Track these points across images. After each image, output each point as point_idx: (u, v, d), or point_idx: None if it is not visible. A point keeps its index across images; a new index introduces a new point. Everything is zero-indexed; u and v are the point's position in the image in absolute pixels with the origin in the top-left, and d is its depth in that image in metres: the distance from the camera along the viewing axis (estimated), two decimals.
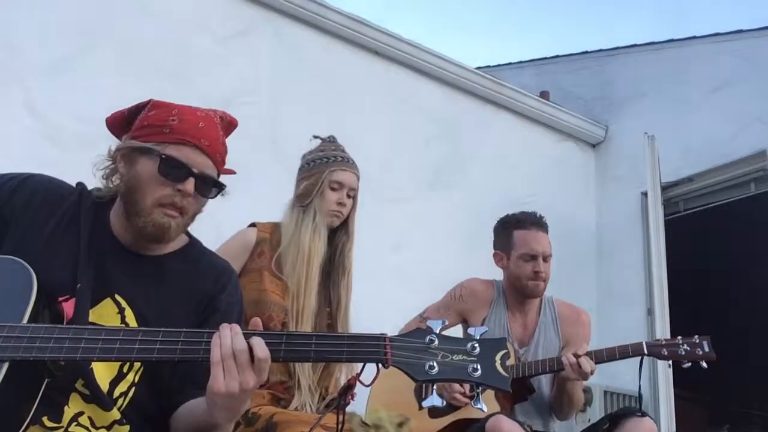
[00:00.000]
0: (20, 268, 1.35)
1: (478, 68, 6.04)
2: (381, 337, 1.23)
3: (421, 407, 2.69)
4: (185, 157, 1.45)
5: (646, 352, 2.61)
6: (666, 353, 2.60)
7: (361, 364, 1.27)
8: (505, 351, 1.22)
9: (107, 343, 1.24)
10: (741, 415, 6.64)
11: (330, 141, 2.47)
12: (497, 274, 3.01)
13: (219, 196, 1.55)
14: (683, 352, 2.57)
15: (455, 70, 5.45)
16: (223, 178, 1.56)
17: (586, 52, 6.62)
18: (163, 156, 1.44)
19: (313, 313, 2.22)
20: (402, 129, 5.12)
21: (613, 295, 5.55)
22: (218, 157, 1.51)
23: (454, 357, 1.20)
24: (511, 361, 2.64)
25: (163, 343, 1.25)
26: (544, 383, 2.79)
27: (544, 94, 6.19)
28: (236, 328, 1.24)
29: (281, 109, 4.58)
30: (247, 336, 1.23)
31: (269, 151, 4.30)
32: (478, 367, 1.18)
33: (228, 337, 1.22)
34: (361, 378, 1.29)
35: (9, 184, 1.52)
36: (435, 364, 1.19)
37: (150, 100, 1.54)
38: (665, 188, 5.28)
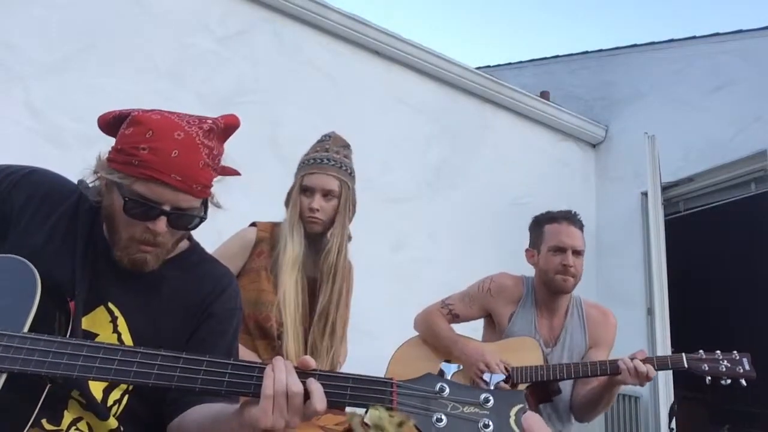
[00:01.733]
0: (25, 269, 1.33)
1: (478, 68, 6.04)
2: (388, 382, 1.17)
3: None
4: (154, 195, 1.34)
5: (686, 366, 2.51)
6: (707, 368, 2.49)
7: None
8: (521, 405, 1.14)
9: (104, 363, 1.22)
10: (741, 415, 6.63)
11: (320, 140, 2.41)
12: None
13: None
14: (724, 369, 2.47)
15: (455, 70, 5.45)
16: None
17: (586, 52, 6.62)
18: (127, 199, 1.34)
19: (296, 320, 2.20)
20: (402, 129, 5.12)
21: (613, 295, 5.54)
22: (196, 187, 1.37)
23: (465, 409, 1.12)
24: (538, 361, 2.61)
25: (160, 368, 1.22)
26: (568, 385, 2.72)
27: (544, 94, 6.19)
28: (290, 365, 1.19)
29: (281, 109, 4.58)
30: (303, 377, 1.18)
31: (269, 151, 4.30)
32: (490, 423, 1.10)
33: (283, 372, 1.17)
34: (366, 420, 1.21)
35: (10, 178, 1.49)
36: (443, 416, 1.11)
37: (130, 113, 1.41)
38: (665, 188, 5.27)
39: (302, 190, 2.30)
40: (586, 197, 5.97)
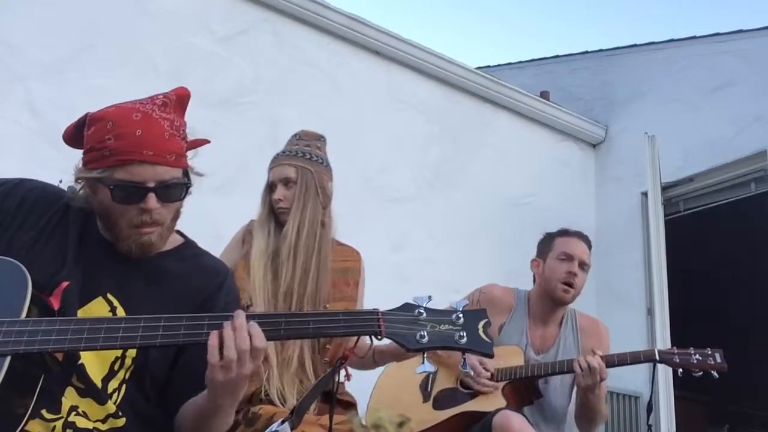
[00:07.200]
0: (14, 267, 1.37)
1: (478, 68, 6.04)
2: (374, 312, 1.33)
3: (423, 394, 2.72)
4: (135, 176, 1.40)
5: (657, 358, 2.63)
6: (677, 360, 2.61)
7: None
8: (486, 320, 1.34)
9: (110, 332, 1.28)
10: (741, 415, 6.64)
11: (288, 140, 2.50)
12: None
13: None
14: (695, 361, 2.59)
15: (455, 70, 5.45)
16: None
17: (586, 52, 6.62)
18: (111, 186, 1.40)
19: (266, 303, 2.22)
20: (402, 129, 5.12)
21: (613, 295, 5.54)
22: (169, 157, 1.43)
23: (441, 327, 1.31)
24: (519, 362, 2.69)
25: (166, 329, 1.30)
26: (558, 392, 2.78)
27: (544, 94, 6.19)
28: (240, 316, 1.29)
29: (281, 109, 4.57)
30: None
31: (269, 151, 4.28)
32: (464, 334, 1.30)
33: (231, 339, 1.26)
34: (355, 350, 1.39)
35: (1, 189, 1.54)
36: (425, 333, 1.29)
37: (86, 115, 1.48)
38: (665, 188, 5.27)
39: (268, 187, 2.42)
40: (586, 197, 5.98)
